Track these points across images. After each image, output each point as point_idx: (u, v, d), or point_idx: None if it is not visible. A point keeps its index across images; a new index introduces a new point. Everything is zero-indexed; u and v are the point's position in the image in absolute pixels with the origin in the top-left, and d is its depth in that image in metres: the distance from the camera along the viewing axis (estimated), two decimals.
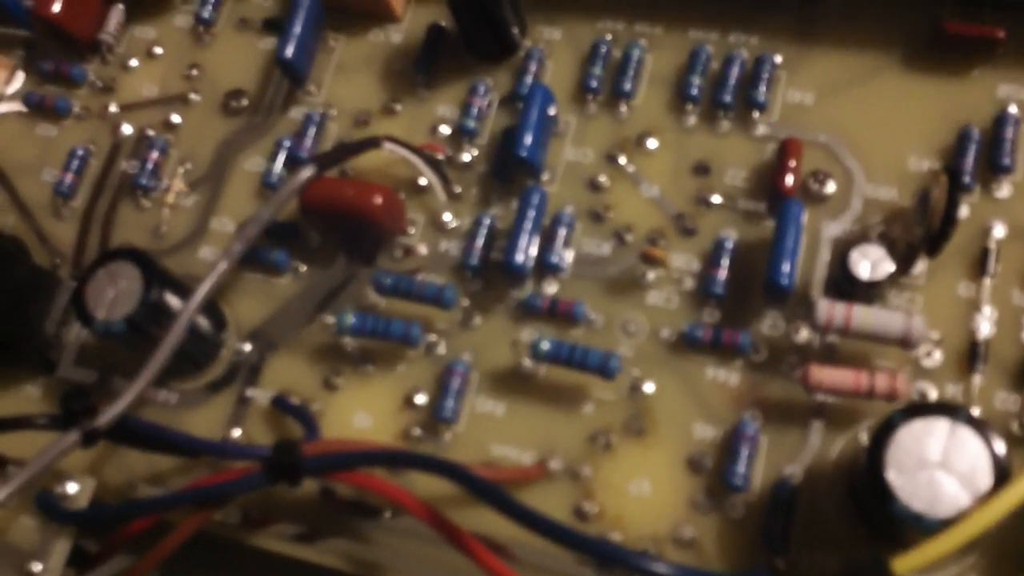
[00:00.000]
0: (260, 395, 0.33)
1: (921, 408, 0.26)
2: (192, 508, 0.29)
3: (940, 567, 0.27)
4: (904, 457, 0.25)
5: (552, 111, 0.34)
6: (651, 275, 0.32)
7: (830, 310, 0.28)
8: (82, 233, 0.37)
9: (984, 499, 0.24)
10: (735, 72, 0.33)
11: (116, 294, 0.31)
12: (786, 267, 0.29)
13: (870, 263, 0.29)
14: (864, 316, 0.28)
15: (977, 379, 0.29)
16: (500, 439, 0.31)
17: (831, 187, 0.32)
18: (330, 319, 0.33)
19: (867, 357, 0.29)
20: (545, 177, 0.34)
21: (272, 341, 0.34)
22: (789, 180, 0.31)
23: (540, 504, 0.27)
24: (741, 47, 0.34)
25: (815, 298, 0.30)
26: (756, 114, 0.33)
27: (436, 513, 0.28)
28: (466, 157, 0.34)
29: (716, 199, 0.32)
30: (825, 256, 0.31)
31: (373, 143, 0.33)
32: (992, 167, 0.31)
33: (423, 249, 0.34)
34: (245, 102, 0.37)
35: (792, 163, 0.31)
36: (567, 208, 0.33)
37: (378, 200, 0.32)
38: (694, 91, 0.33)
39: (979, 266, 0.30)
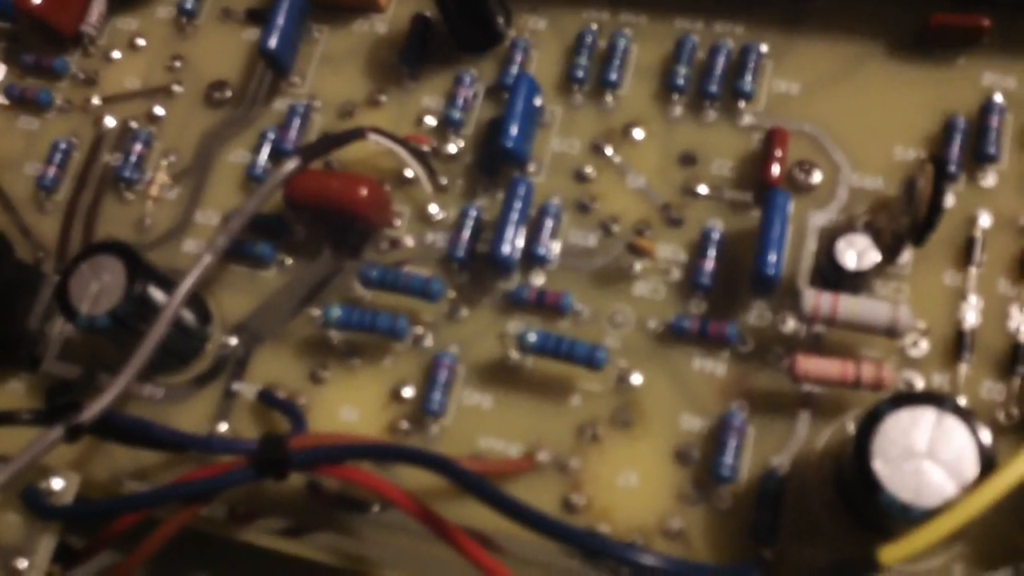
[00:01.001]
0: (246, 389, 0.33)
1: (907, 398, 0.26)
2: (178, 503, 0.29)
3: (926, 556, 0.27)
4: (890, 447, 0.25)
5: (538, 102, 0.34)
6: (638, 266, 0.32)
7: (816, 300, 0.28)
8: (65, 227, 0.37)
9: (970, 488, 0.24)
10: (721, 62, 0.33)
11: (100, 288, 0.31)
12: (772, 257, 0.29)
13: (856, 253, 0.29)
14: (850, 306, 0.28)
15: (963, 368, 0.29)
16: (487, 432, 0.31)
17: (817, 177, 0.32)
18: (316, 312, 0.33)
19: (853, 347, 0.29)
20: (531, 168, 0.34)
21: (258, 334, 0.33)
22: (775, 170, 0.31)
23: (528, 496, 0.27)
24: (727, 36, 0.34)
25: (801, 288, 0.30)
26: (742, 104, 0.33)
27: (424, 506, 0.28)
28: (452, 148, 0.34)
29: (702, 189, 0.32)
30: (811, 246, 0.31)
31: (358, 134, 0.33)
32: (977, 156, 0.31)
33: (409, 241, 0.34)
34: (229, 94, 0.37)
35: (778, 153, 0.31)
36: (553, 199, 0.33)
37: (363, 192, 0.32)
38: (680, 81, 0.33)
39: (965, 255, 0.30)
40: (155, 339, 0.30)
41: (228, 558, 0.33)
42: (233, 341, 0.33)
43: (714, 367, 0.30)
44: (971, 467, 0.25)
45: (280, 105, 0.36)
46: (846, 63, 0.33)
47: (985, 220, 0.30)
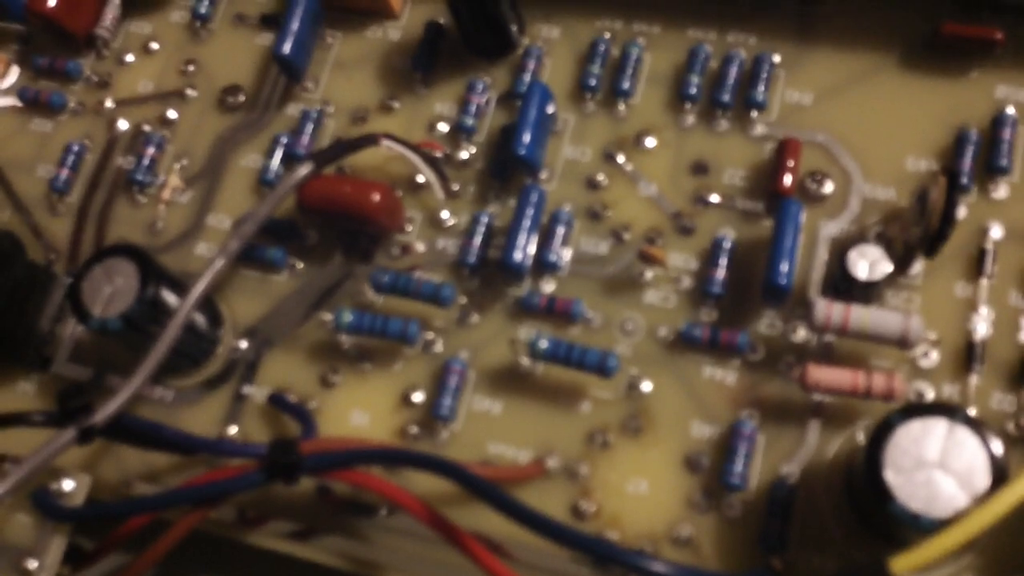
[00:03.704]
0: (257, 392, 0.33)
1: (918, 408, 0.26)
2: (188, 506, 0.29)
3: (937, 567, 0.27)
4: (902, 457, 0.25)
5: (550, 109, 0.34)
6: (649, 274, 0.32)
7: (828, 310, 0.28)
8: (77, 229, 0.37)
9: (981, 499, 0.24)
10: (734, 71, 0.33)
11: (112, 291, 0.31)
12: (784, 267, 0.29)
13: (868, 263, 0.29)
14: (862, 316, 0.28)
15: (974, 379, 0.29)
16: (497, 437, 0.31)
17: (829, 187, 0.32)
18: (327, 316, 0.33)
19: (864, 357, 0.29)
20: (543, 175, 0.34)
21: (269, 338, 0.34)
22: (787, 180, 0.31)
23: (537, 503, 0.27)
24: (740, 46, 0.34)
25: (813, 298, 0.30)
26: (754, 114, 0.33)
27: (433, 511, 0.28)
28: (464, 155, 0.34)
29: (714, 198, 0.32)
30: (823, 256, 0.31)
31: (371, 140, 0.33)
32: (989, 168, 0.31)
33: (421, 247, 0.34)
34: (242, 98, 0.37)
35: (790, 163, 0.31)
36: (565, 206, 0.33)
37: (376, 198, 0.32)
38: (692, 90, 0.33)
39: (976, 267, 0.30)
40: (167, 342, 0.30)
41: (237, 561, 0.33)
42: (244, 345, 0.34)
43: (724, 375, 0.30)
44: (982, 478, 0.25)
45: (293, 110, 0.37)
46: (858, 74, 0.33)
47: (996, 232, 0.30)
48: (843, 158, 0.32)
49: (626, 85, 0.34)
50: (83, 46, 0.39)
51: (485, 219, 0.33)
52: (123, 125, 0.38)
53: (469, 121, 0.35)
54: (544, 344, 0.30)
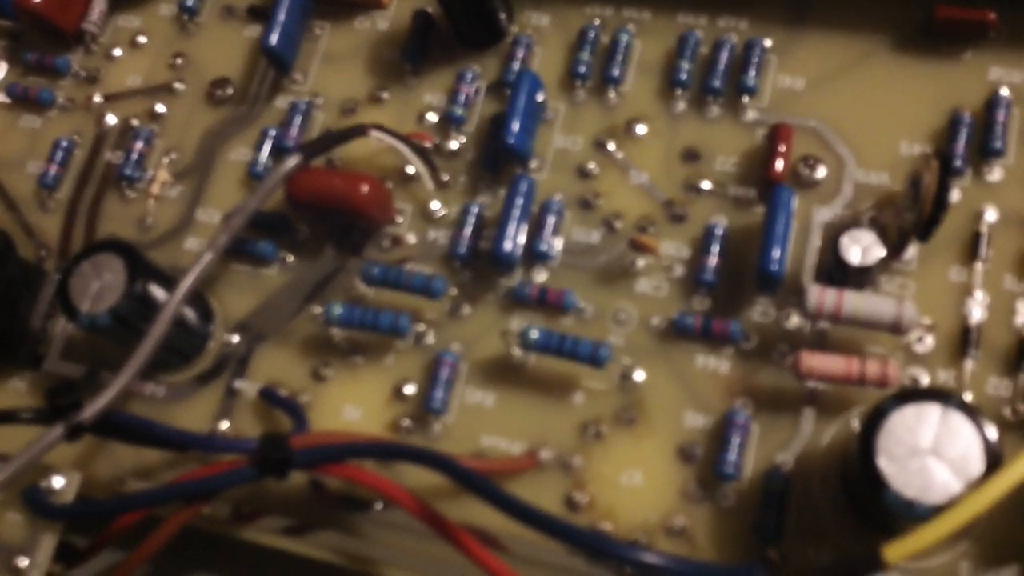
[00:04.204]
0: (248, 387, 0.33)
1: (913, 394, 0.25)
2: (181, 502, 0.29)
3: (932, 554, 0.27)
4: (895, 444, 0.25)
5: (540, 98, 0.33)
6: (641, 263, 0.31)
7: (821, 296, 0.28)
8: (67, 225, 0.36)
9: (976, 485, 0.24)
10: (725, 57, 0.33)
11: (101, 286, 0.31)
12: (776, 253, 0.29)
13: (861, 248, 0.29)
14: (855, 302, 0.28)
15: (969, 364, 0.29)
16: (490, 430, 0.31)
17: (822, 172, 0.31)
18: (318, 310, 0.33)
19: (858, 343, 0.29)
20: (533, 165, 0.33)
21: (260, 333, 0.33)
22: (779, 166, 0.31)
23: (531, 495, 0.27)
24: (731, 32, 0.34)
25: (806, 284, 0.30)
26: (746, 99, 0.33)
27: (426, 505, 0.27)
28: (454, 145, 0.34)
29: (706, 185, 0.32)
30: (816, 242, 0.31)
31: (360, 131, 0.33)
32: (983, 151, 0.31)
33: (411, 238, 0.33)
34: (230, 91, 0.37)
35: (782, 148, 0.31)
36: (556, 196, 0.33)
37: (365, 189, 0.32)
38: (683, 76, 0.33)
39: (971, 251, 0.30)
40: (156, 337, 0.30)
41: (231, 557, 0.32)
42: (235, 339, 0.33)
43: (718, 364, 0.30)
44: (977, 464, 0.25)
45: (282, 103, 0.36)
46: (851, 58, 0.33)
47: (991, 215, 0.30)
48: (836, 143, 0.32)
49: (616, 72, 0.34)
50: (72, 41, 0.39)
51: (476, 210, 0.33)
52: (112, 120, 0.38)
53: (459, 111, 0.34)
54: (536, 335, 0.30)
